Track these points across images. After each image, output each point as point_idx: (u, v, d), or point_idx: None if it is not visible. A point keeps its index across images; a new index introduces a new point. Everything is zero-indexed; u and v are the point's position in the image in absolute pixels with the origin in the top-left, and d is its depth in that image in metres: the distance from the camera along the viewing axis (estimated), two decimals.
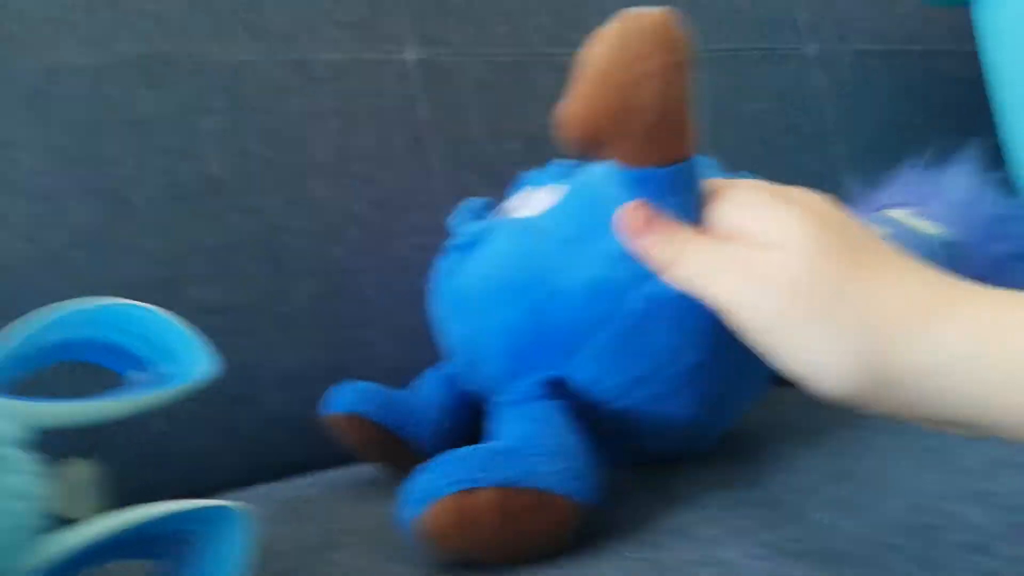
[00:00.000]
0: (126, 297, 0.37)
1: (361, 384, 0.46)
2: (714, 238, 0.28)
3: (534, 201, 0.42)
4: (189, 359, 0.37)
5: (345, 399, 0.45)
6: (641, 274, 0.32)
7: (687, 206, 0.29)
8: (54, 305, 0.35)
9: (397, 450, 0.45)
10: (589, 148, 0.30)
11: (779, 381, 0.41)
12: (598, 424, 0.38)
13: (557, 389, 0.38)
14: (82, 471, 0.34)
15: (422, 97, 0.60)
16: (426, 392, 0.48)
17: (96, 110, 0.52)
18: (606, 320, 0.36)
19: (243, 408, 0.51)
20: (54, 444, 0.46)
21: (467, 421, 0.46)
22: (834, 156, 0.73)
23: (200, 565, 0.30)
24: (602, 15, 0.69)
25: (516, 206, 0.44)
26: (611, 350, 0.36)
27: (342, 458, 0.53)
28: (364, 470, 0.50)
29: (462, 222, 0.46)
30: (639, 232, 0.30)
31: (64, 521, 0.30)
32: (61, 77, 0.52)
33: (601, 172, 0.38)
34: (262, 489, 0.48)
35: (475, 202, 0.47)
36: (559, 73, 0.65)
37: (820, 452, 0.40)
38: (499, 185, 0.61)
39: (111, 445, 0.48)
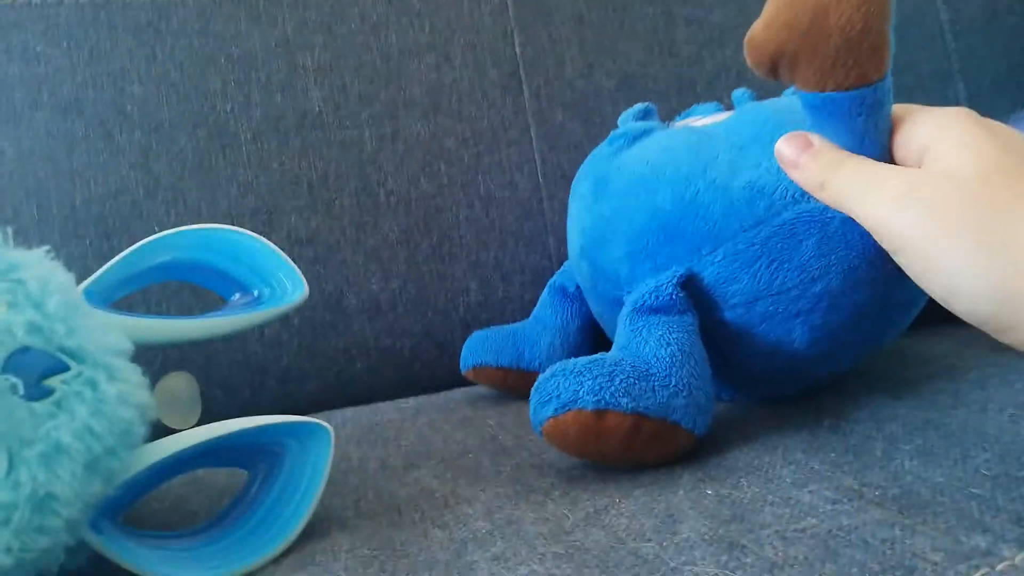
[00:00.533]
0: (227, 225, 0.39)
1: (480, 334, 0.49)
2: (867, 161, 0.28)
3: (703, 121, 0.43)
4: (285, 284, 0.39)
5: (468, 354, 0.49)
6: (802, 191, 0.33)
7: (872, 130, 0.29)
8: (164, 232, 0.37)
9: (523, 381, 0.48)
10: (774, 71, 0.30)
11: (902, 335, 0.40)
12: (715, 338, 0.38)
13: (689, 291, 0.38)
14: (181, 384, 0.37)
15: (517, 32, 0.60)
16: (539, 317, 0.50)
17: (203, 45, 0.54)
18: (757, 224, 0.36)
19: (331, 334, 0.54)
20: (155, 358, 0.50)
21: (578, 336, 0.49)
22: (954, 98, 0.68)
23: (287, 476, 0.32)
24: None
25: (685, 123, 0.44)
26: (751, 254, 0.36)
27: (424, 386, 0.54)
28: (445, 398, 0.51)
29: (628, 120, 0.46)
30: (793, 164, 0.30)
31: (163, 429, 0.32)
32: (171, 12, 0.54)
33: (776, 102, 0.39)
34: (348, 412, 0.50)
35: (642, 106, 0.47)
36: (657, 7, 0.63)
37: (909, 403, 0.39)
38: (591, 123, 0.60)
39: (213, 362, 0.52)
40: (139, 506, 0.31)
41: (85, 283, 0.35)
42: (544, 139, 0.59)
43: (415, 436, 0.43)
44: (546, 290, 0.51)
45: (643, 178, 0.39)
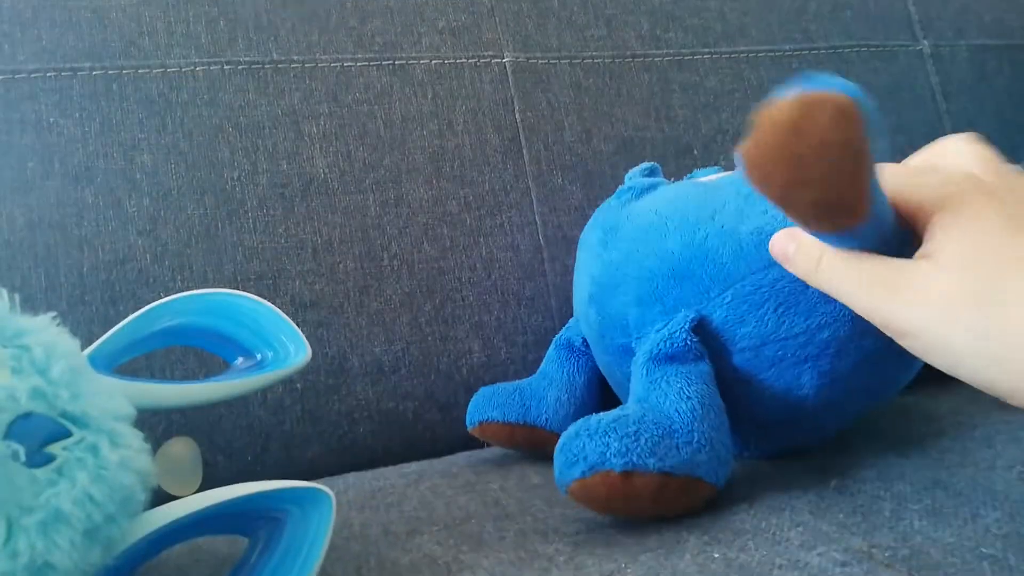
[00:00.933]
0: (232, 289, 0.40)
1: (486, 390, 0.49)
2: (850, 254, 0.30)
3: (708, 178, 0.45)
4: (288, 347, 0.39)
5: (474, 411, 0.49)
6: None
7: (867, 245, 0.30)
8: (169, 297, 0.37)
9: (530, 437, 0.48)
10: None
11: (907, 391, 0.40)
12: (725, 383, 0.38)
13: (700, 336, 0.38)
14: (183, 449, 0.37)
15: (517, 100, 0.61)
16: (545, 372, 0.50)
17: (213, 115, 0.55)
18: (765, 267, 0.36)
19: (334, 398, 0.53)
20: (159, 423, 0.50)
21: (584, 390, 0.49)
22: None
23: (288, 542, 0.32)
24: (697, 15, 0.68)
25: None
26: (759, 297, 0.37)
27: (427, 450, 0.54)
28: (448, 463, 0.51)
29: (635, 177, 0.48)
30: (784, 259, 0.33)
31: (164, 496, 0.32)
32: (182, 84, 0.55)
33: None
34: (350, 478, 0.49)
35: (648, 165, 0.49)
36: (653, 74, 0.65)
37: (917, 461, 0.38)
38: (591, 186, 0.61)
39: (216, 428, 0.51)
40: (140, 572, 0.31)
41: (90, 348, 0.35)
42: (544, 202, 0.60)
43: (418, 501, 0.42)
44: (552, 345, 0.51)
45: (652, 225, 0.40)
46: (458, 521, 0.38)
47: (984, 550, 0.27)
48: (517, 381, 0.50)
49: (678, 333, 0.38)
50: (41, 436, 0.28)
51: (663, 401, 0.36)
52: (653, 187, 0.44)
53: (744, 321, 0.37)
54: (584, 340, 0.49)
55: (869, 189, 0.28)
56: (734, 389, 0.38)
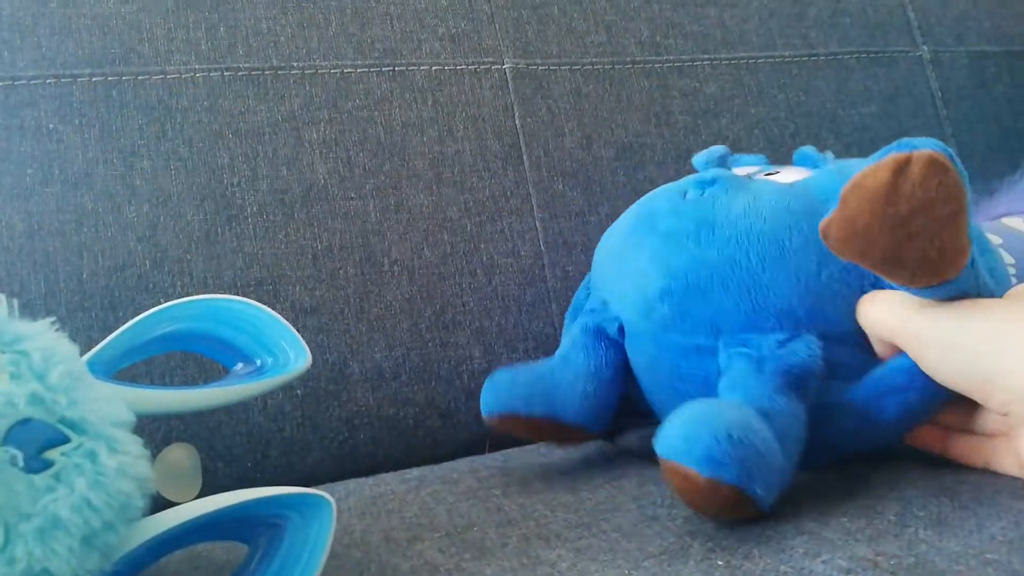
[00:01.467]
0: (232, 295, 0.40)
1: (504, 376, 0.46)
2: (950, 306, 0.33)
3: (778, 175, 0.44)
4: (288, 352, 0.39)
5: (493, 399, 0.45)
6: None
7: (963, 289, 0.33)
8: (169, 303, 0.37)
9: (556, 431, 0.46)
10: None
11: None
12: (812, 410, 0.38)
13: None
14: (182, 456, 0.36)
15: (517, 106, 0.61)
16: (569, 359, 0.46)
17: (213, 121, 0.55)
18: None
19: (334, 404, 0.53)
20: (158, 429, 0.49)
21: (610, 386, 0.46)
22: None
23: (287, 549, 0.31)
24: (697, 22, 0.68)
25: (753, 174, 0.45)
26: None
27: (428, 456, 0.54)
28: (449, 468, 0.50)
29: (711, 164, 0.46)
30: (872, 323, 0.37)
31: (163, 502, 0.31)
32: (181, 90, 0.55)
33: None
34: (351, 484, 0.49)
35: (718, 151, 0.47)
36: (652, 80, 0.65)
37: (923, 469, 0.38)
38: (591, 192, 0.61)
39: (216, 434, 0.51)
40: None
41: (89, 354, 0.35)
42: (545, 208, 0.60)
43: (419, 508, 0.42)
44: (578, 328, 0.47)
45: (766, 236, 0.39)
46: (460, 528, 0.38)
47: (989, 556, 0.27)
48: (535, 365, 0.47)
49: (813, 358, 0.37)
50: (39, 442, 0.28)
51: (789, 422, 0.36)
52: (741, 184, 0.42)
53: (852, 354, 0.38)
54: (620, 329, 0.45)
55: (969, 236, 0.28)
56: (816, 414, 0.38)
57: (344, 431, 0.54)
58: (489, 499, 0.42)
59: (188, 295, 0.39)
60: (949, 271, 0.30)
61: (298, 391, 0.53)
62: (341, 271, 0.55)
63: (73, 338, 0.31)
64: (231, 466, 0.51)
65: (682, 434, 0.33)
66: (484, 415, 0.46)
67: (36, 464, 0.27)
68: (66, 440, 0.28)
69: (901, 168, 0.28)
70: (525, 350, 0.57)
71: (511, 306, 0.58)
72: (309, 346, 0.38)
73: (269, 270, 0.54)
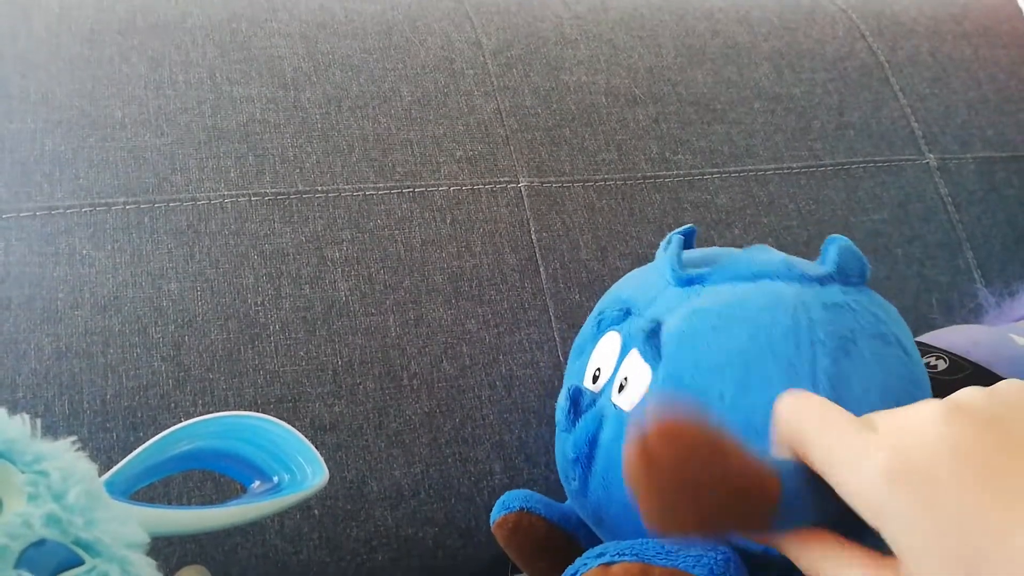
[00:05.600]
0: (250, 412, 0.40)
1: (525, 490, 0.46)
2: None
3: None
4: (305, 469, 0.38)
5: (514, 499, 0.45)
6: None
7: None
8: (189, 421, 0.38)
9: (563, 548, 0.44)
10: None
11: None
12: None
13: None
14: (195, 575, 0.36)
15: (533, 221, 0.63)
16: None
17: (239, 244, 0.57)
18: None
19: (352, 524, 0.52)
20: (173, 553, 0.48)
21: None
22: (964, 265, 0.69)
23: None
24: (704, 138, 0.71)
25: None
26: None
27: (449, 572, 0.52)
28: None
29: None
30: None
31: None
32: (210, 215, 0.58)
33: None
34: None
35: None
36: (664, 194, 0.66)
37: None
38: None
39: (232, 557, 0.50)
40: None
41: (108, 474, 0.35)
42: (563, 318, 0.60)
43: None
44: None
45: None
46: None
47: None
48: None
49: None
50: (53, 564, 0.27)
51: None
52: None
53: None
54: None
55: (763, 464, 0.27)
56: None
57: (363, 552, 0.52)
58: None
59: (208, 413, 0.39)
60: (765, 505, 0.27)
61: (316, 511, 0.52)
62: (360, 386, 0.55)
63: (94, 458, 0.31)
64: None
65: None
66: (497, 517, 0.45)
67: None
68: (80, 563, 0.28)
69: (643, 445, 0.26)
70: (547, 464, 0.56)
71: (531, 419, 0.57)
72: (328, 464, 0.38)
73: (290, 387, 0.54)
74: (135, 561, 0.29)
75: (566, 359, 0.59)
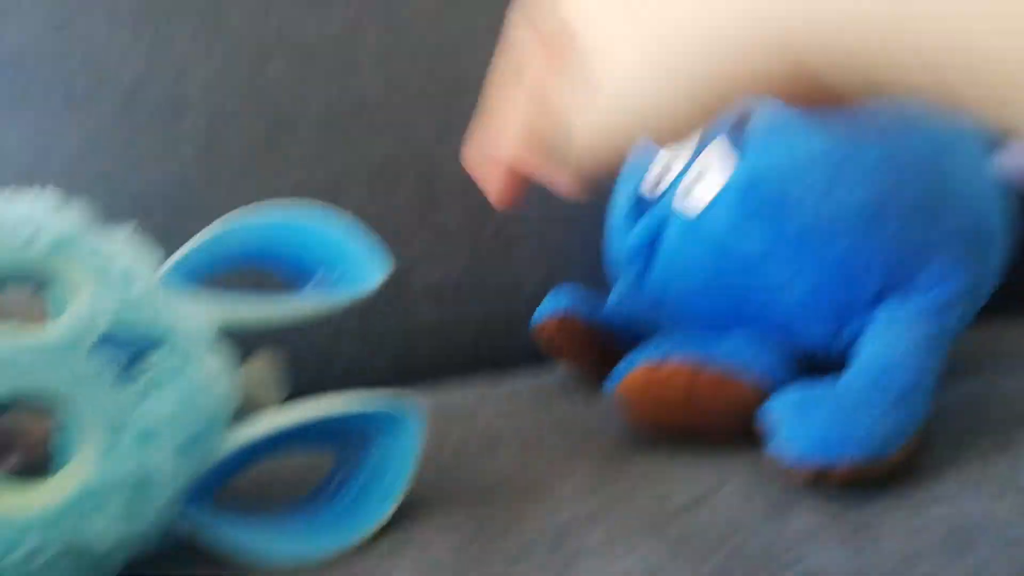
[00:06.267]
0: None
1: (572, 289, 0.46)
2: None
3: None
4: (362, 266, 0.38)
5: (558, 302, 0.45)
6: None
7: None
8: (237, 215, 0.36)
9: (605, 351, 0.44)
10: None
11: None
12: None
13: None
14: (265, 365, 0.36)
15: None
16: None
17: (263, 34, 0.54)
18: None
19: (395, 318, 0.53)
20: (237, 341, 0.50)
21: None
22: None
23: (377, 456, 0.32)
24: None
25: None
26: None
27: (488, 367, 0.54)
28: (508, 385, 0.50)
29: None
30: None
31: (251, 411, 0.32)
32: (232, 2, 0.53)
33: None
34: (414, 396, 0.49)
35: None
36: None
37: None
38: None
39: (280, 347, 0.51)
40: (228, 488, 0.31)
41: (166, 264, 0.34)
42: None
43: (488, 419, 0.42)
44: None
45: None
46: (535, 439, 0.38)
47: None
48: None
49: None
50: (129, 354, 0.27)
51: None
52: None
53: None
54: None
55: None
56: None
57: (402, 346, 0.54)
58: (557, 411, 0.42)
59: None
60: None
61: (361, 305, 0.53)
62: (398, 186, 0.54)
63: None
64: (298, 380, 0.52)
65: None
66: (539, 320, 0.45)
67: (127, 376, 0.27)
68: (154, 351, 0.28)
69: None
70: (586, 264, 0.56)
71: (572, 219, 0.56)
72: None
73: (326, 188, 0.53)
74: (207, 350, 0.29)
75: None
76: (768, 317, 0.37)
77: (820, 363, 0.37)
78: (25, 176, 0.49)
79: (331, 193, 0.53)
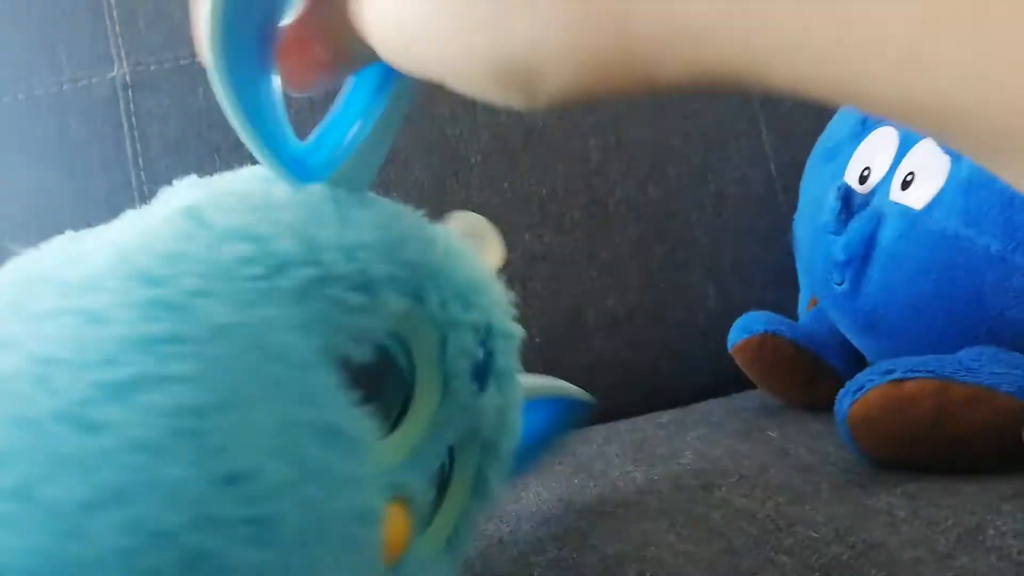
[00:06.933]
0: None
1: (762, 311, 0.45)
2: None
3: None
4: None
5: (756, 322, 0.44)
6: None
7: None
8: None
9: (812, 370, 0.43)
10: None
11: None
12: None
13: None
14: (475, 219, 0.33)
15: None
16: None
17: None
18: None
19: (571, 349, 0.52)
20: None
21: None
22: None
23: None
24: None
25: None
26: None
27: (669, 401, 0.52)
28: (701, 411, 0.48)
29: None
30: None
31: None
32: None
33: None
34: (601, 429, 0.48)
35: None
36: None
37: None
38: (823, 111, 0.56)
39: None
40: None
41: None
42: (775, 130, 0.56)
43: (693, 452, 0.40)
44: None
45: None
46: (754, 472, 0.36)
47: None
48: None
49: None
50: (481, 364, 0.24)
51: None
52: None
53: None
54: None
55: None
56: None
57: (582, 378, 0.53)
58: (766, 440, 0.40)
59: None
60: None
61: (537, 339, 0.52)
62: (567, 216, 0.53)
63: None
64: None
65: None
66: (739, 341, 0.44)
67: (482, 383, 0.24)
68: (491, 354, 0.25)
69: None
70: (762, 285, 0.54)
71: (745, 239, 0.54)
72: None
73: (498, 219, 0.53)
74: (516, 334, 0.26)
75: (779, 173, 0.55)
76: (1014, 323, 0.34)
77: None
78: None
79: (502, 225, 0.53)
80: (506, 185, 0.53)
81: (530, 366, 0.52)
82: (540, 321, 0.52)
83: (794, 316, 0.51)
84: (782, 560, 0.27)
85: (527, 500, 0.37)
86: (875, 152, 0.39)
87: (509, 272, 0.52)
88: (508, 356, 0.25)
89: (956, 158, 0.35)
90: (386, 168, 0.53)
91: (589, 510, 0.35)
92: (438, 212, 0.52)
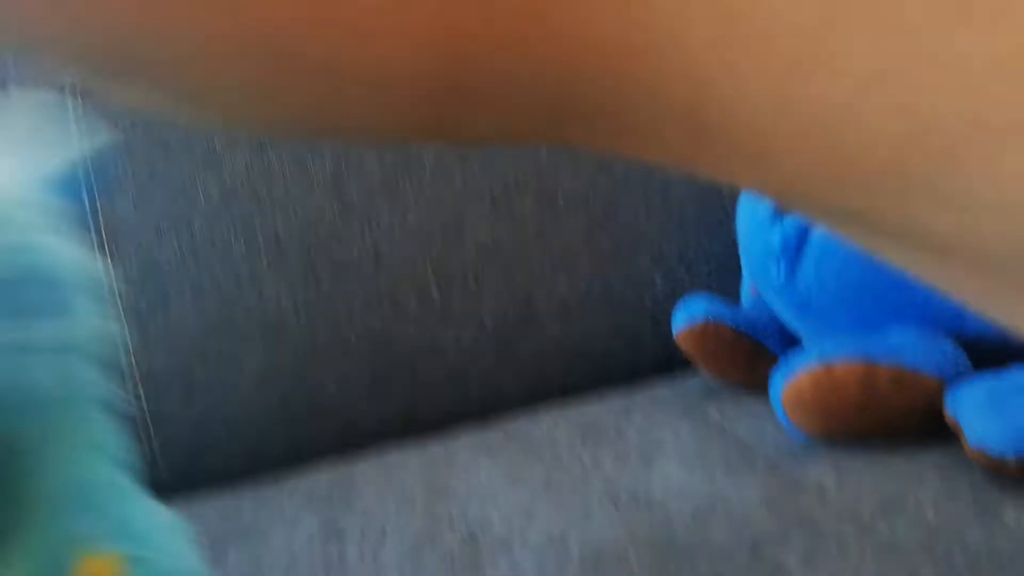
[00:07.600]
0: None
1: (705, 296, 0.47)
2: None
3: None
4: None
5: (697, 308, 0.46)
6: None
7: None
8: None
9: (752, 353, 0.45)
10: None
11: None
12: None
13: None
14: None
15: None
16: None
17: None
18: None
19: (524, 336, 0.54)
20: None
21: None
22: None
23: None
24: None
25: None
26: None
27: (618, 383, 0.54)
28: (648, 393, 0.50)
29: None
30: None
31: None
32: None
33: None
34: (553, 413, 0.50)
35: None
36: None
37: None
38: None
39: (414, 372, 0.53)
40: None
41: None
42: None
43: (638, 432, 0.42)
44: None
45: None
46: (693, 452, 0.38)
47: None
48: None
49: None
50: None
51: None
52: None
53: None
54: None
55: None
56: None
57: (533, 363, 0.54)
58: (707, 419, 0.42)
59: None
60: None
61: (488, 325, 0.54)
62: (518, 208, 0.55)
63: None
64: (436, 401, 0.53)
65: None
66: (681, 329, 0.46)
67: None
68: None
69: None
70: (708, 272, 0.56)
71: (689, 229, 0.56)
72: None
73: (451, 213, 0.54)
74: None
75: None
76: (936, 305, 0.36)
77: (990, 352, 0.36)
78: (172, 222, 0.52)
79: (455, 220, 0.54)
80: (458, 179, 0.54)
81: (484, 352, 0.54)
82: (494, 309, 0.53)
83: (738, 301, 0.53)
84: (716, 536, 0.29)
85: (478, 480, 0.39)
86: None
87: (463, 263, 0.54)
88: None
89: None
90: (338, 162, 0.54)
91: (536, 489, 0.36)
92: (391, 206, 0.53)
